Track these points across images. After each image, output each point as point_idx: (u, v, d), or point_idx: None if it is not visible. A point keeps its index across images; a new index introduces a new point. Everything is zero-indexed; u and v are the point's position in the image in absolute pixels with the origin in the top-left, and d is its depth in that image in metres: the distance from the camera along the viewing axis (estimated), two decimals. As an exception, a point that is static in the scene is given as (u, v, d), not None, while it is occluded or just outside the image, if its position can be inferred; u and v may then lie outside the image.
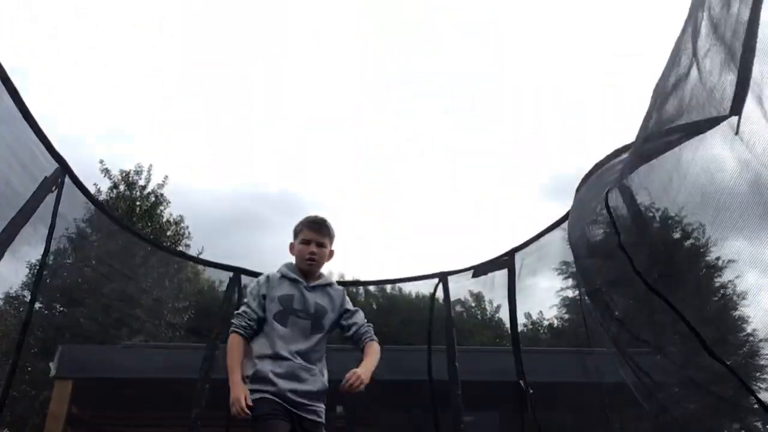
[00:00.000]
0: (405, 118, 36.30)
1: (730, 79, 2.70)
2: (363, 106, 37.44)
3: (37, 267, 4.31)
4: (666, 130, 3.13)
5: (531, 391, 5.61)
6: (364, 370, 2.86)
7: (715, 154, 3.08)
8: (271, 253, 29.87)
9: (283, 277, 3.08)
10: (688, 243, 4.21)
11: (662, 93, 3.11)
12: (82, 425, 8.25)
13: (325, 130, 36.26)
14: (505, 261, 6.01)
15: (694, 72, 2.90)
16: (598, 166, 4.22)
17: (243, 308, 3.03)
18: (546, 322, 17.04)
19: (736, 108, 2.70)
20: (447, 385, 6.69)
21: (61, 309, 10.79)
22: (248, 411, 2.71)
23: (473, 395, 6.64)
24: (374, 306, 14.85)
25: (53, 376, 8.13)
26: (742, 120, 2.66)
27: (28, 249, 4.34)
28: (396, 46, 35.41)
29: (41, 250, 4.13)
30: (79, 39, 31.57)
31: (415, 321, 8.47)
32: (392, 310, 13.27)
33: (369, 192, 38.20)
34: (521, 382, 5.73)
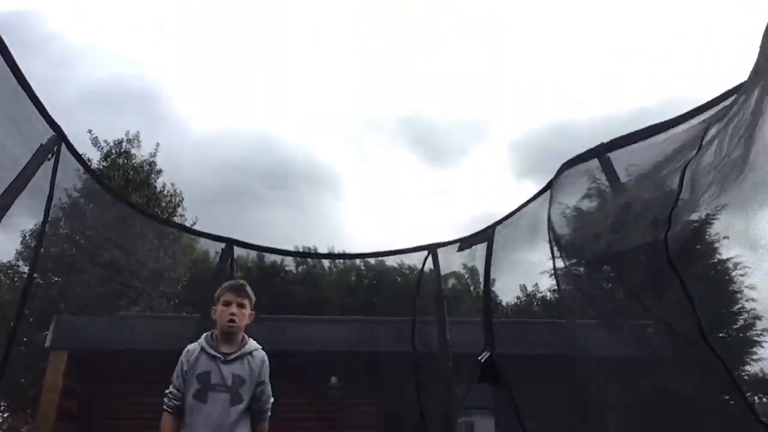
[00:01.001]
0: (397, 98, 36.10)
1: None
2: (359, 86, 37.16)
3: (31, 236, 4.31)
4: None
5: (482, 360, 5.72)
6: None
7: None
8: (263, 225, 29.86)
9: (202, 350, 3.24)
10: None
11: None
12: (76, 395, 8.31)
13: (314, 96, 36.03)
14: (486, 234, 6.10)
15: None
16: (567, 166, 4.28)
17: (170, 388, 3.22)
18: (540, 295, 17.20)
19: None
20: (438, 356, 6.80)
21: (56, 279, 10.80)
22: None
23: (466, 367, 6.74)
24: (365, 279, 14.95)
25: (48, 347, 8.16)
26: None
27: (22, 219, 4.33)
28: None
29: (35, 219, 4.13)
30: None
31: (406, 293, 8.54)
32: (382, 282, 13.37)
33: (361, 167, 38.12)
34: (486, 352, 5.84)
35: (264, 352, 3.36)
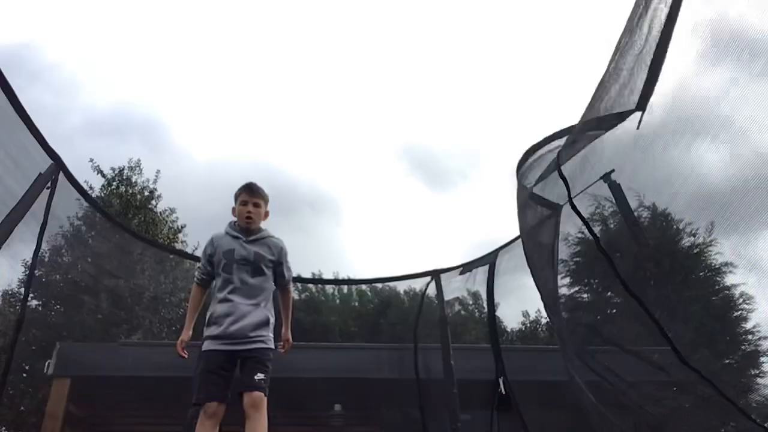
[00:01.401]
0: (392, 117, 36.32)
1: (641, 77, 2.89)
2: (353, 103, 37.41)
3: (30, 265, 4.30)
4: (586, 124, 3.27)
5: (504, 392, 5.67)
6: (287, 332, 3.79)
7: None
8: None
9: (227, 234, 3.70)
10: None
11: (599, 88, 3.25)
12: (79, 423, 8.24)
13: (314, 125, 36.24)
14: (489, 259, 6.10)
15: (617, 72, 3.07)
16: (530, 152, 4.30)
17: (198, 266, 3.82)
18: (544, 320, 17.08)
19: (642, 104, 2.89)
20: (442, 382, 6.72)
21: (58, 307, 10.78)
22: (183, 355, 3.52)
23: (469, 393, 6.66)
24: (369, 304, 14.86)
25: (50, 375, 8.12)
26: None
27: (24, 247, 4.34)
28: (385, 38, 35.40)
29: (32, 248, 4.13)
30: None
31: (411, 318, 8.50)
32: (388, 307, 13.28)
33: (363, 193, 38.21)
34: (500, 381, 5.79)
35: (282, 240, 3.80)
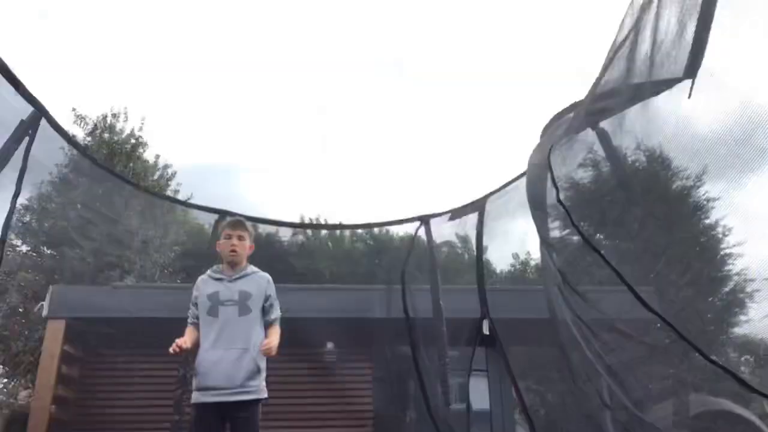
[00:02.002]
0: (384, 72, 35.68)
1: (684, 44, 2.76)
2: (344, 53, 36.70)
3: (18, 211, 4.28)
4: (618, 89, 3.18)
5: (487, 333, 5.83)
6: (272, 341, 3.56)
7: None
8: (252, 197, 29.82)
9: (210, 276, 3.74)
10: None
11: (617, 53, 3.15)
12: (75, 362, 8.41)
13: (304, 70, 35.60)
14: (478, 205, 6.16)
15: (648, 35, 2.94)
16: (556, 118, 4.27)
17: (189, 311, 3.76)
18: (533, 262, 17.30)
19: (690, 72, 2.77)
20: (433, 322, 6.88)
21: (49, 252, 10.82)
22: (175, 349, 3.44)
23: (457, 331, 6.84)
24: (361, 248, 14.98)
25: (45, 316, 8.22)
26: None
27: (7, 195, 4.32)
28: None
29: (23, 195, 4.12)
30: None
31: (402, 261, 8.61)
32: (380, 251, 13.41)
33: (352, 136, 37.93)
34: (484, 321, 5.95)
35: (268, 274, 3.83)
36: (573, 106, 4.37)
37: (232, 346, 3.46)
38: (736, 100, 3.11)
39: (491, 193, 6.13)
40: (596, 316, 4.01)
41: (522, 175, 5.50)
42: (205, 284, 3.71)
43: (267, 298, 3.70)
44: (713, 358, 3.10)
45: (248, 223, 3.86)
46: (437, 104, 38.80)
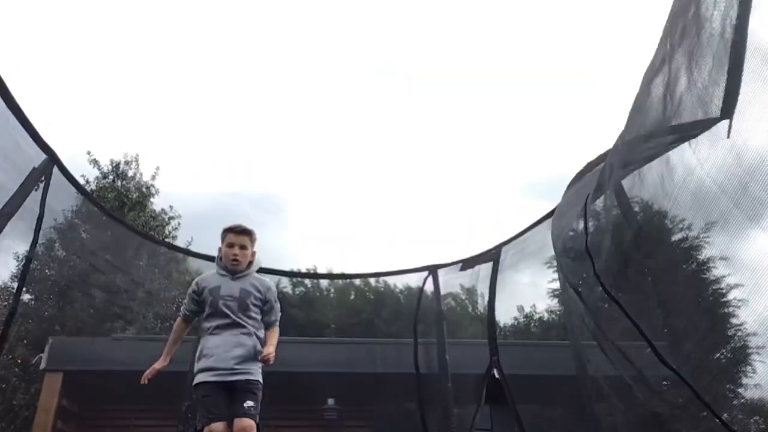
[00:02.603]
0: (388, 112, 36.15)
1: (721, 84, 2.75)
2: (348, 100, 37.26)
3: (25, 258, 4.28)
4: (650, 134, 3.16)
5: (497, 376, 5.71)
6: (270, 349, 3.54)
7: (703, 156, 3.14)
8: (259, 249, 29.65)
9: (215, 272, 3.78)
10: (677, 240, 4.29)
11: (645, 99, 3.15)
12: (72, 417, 8.22)
13: (306, 126, 36.10)
14: (492, 254, 6.12)
15: (682, 77, 2.94)
16: (584, 171, 4.28)
17: (183, 302, 3.87)
18: (537, 316, 17.10)
19: (727, 112, 2.75)
20: (437, 378, 6.75)
21: (51, 301, 10.73)
22: (144, 381, 3.72)
23: (463, 388, 6.70)
24: (365, 297, 14.87)
25: (43, 369, 8.10)
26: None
27: (16, 241, 4.32)
28: (384, 40, 35.27)
29: (29, 241, 4.11)
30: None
31: (405, 314, 8.52)
32: (382, 303, 13.29)
33: (356, 186, 38.14)
34: (494, 369, 5.82)
35: (271, 281, 3.88)
36: (602, 158, 4.37)
37: (234, 331, 3.55)
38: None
39: (505, 243, 6.07)
40: (630, 370, 3.93)
41: (535, 225, 5.48)
42: (208, 279, 3.76)
43: (266, 302, 3.73)
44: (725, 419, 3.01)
45: (253, 231, 3.83)
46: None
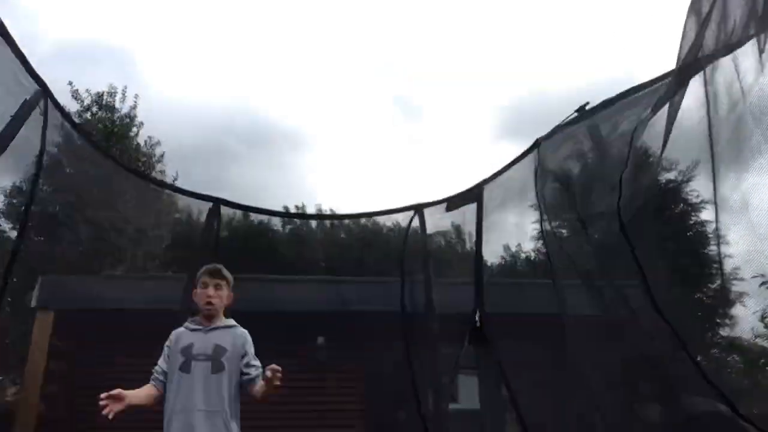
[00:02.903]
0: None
1: None
2: (338, 40, 36.46)
3: (12, 194, 4.18)
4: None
5: (479, 325, 5.77)
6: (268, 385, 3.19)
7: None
8: (243, 185, 29.58)
9: (185, 328, 3.50)
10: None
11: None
12: (63, 356, 8.26)
13: (296, 58, 35.35)
14: (475, 194, 6.07)
15: None
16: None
17: (155, 367, 3.46)
18: (524, 255, 17.27)
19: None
20: (423, 317, 6.82)
21: (39, 239, 10.65)
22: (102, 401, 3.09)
23: (449, 328, 6.78)
24: (354, 236, 14.93)
25: (33, 307, 8.09)
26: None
27: (2, 176, 4.23)
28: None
29: (15, 177, 4.03)
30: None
31: (393, 253, 8.55)
32: (370, 243, 13.34)
33: (341, 124, 37.80)
34: (477, 313, 5.89)
35: (245, 330, 3.53)
36: (573, 120, 4.32)
37: (204, 407, 3.22)
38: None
39: (486, 181, 6.02)
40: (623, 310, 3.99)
41: (517, 159, 5.43)
42: (179, 337, 3.45)
43: (244, 356, 3.41)
44: (711, 381, 3.09)
45: (227, 271, 3.55)
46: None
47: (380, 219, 8.20)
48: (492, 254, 6.68)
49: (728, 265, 4.29)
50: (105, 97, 16.51)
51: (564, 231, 5.58)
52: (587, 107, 4.29)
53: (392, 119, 37.78)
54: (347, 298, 8.82)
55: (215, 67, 34.42)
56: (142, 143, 17.06)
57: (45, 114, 4.02)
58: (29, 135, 4.08)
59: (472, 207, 6.26)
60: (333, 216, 9.44)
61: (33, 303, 8.08)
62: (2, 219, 11.71)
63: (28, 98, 3.86)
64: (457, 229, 8.31)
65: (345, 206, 23.23)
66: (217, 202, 6.32)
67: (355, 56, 37.74)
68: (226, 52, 34.33)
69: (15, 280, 10.76)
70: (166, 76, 34.25)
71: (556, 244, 5.13)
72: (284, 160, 35.69)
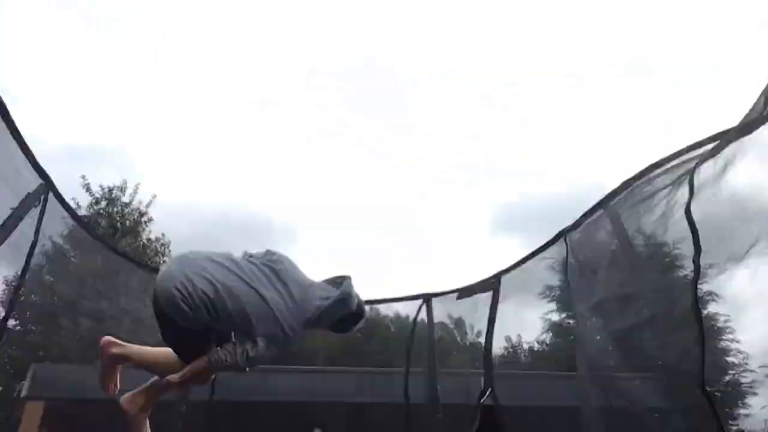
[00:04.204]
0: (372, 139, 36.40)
1: None
2: (337, 129, 37.49)
3: (12, 284, 4.20)
4: None
5: (482, 402, 5.61)
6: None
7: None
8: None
9: None
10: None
11: None
12: (53, 447, 7.99)
13: (295, 153, 36.20)
14: (491, 283, 6.07)
15: None
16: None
17: None
18: (526, 346, 17.05)
19: None
20: (427, 407, 6.65)
21: (34, 328, 10.54)
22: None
23: (455, 418, 6.60)
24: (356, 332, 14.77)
25: (24, 397, 7.90)
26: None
27: (5, 266, 4.24)
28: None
29: (16, 267, 4.04)
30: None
31: (395, 343, 8.44)
32: (372, 332, 13.20)
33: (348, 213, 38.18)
34: (489, 399, 5.73)
35: None
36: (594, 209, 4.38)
37: None
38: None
39: (504, 272, 6.01)
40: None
41: (536, 253, 5.44)
42: None
43: None
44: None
45: None
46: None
47: (381, 308, 8.11)
48: (495, 344, 6.57)
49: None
50: (115, 192, 16.89)
51: (594, 319, 5.55)
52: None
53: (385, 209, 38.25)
54: (347, 388, 8.64)
55: (209, 165, 35.04)
56: (153, 238, 17.31)
57: (43, 206, 4.06)
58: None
59: (484, 297, 6.24)
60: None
61: (24, 392, 7.89)
62: (1, 308, 11.64)
63: (30, 192, 3.92)
64: (457, 321, 8.28)
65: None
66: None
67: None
68: (217, 152, 35.04)
69: (8, 369, 10.60)
70: (163, 175, 34.88)
71: (587, 333, 5.06)
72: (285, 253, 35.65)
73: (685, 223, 3.18)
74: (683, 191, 3.34)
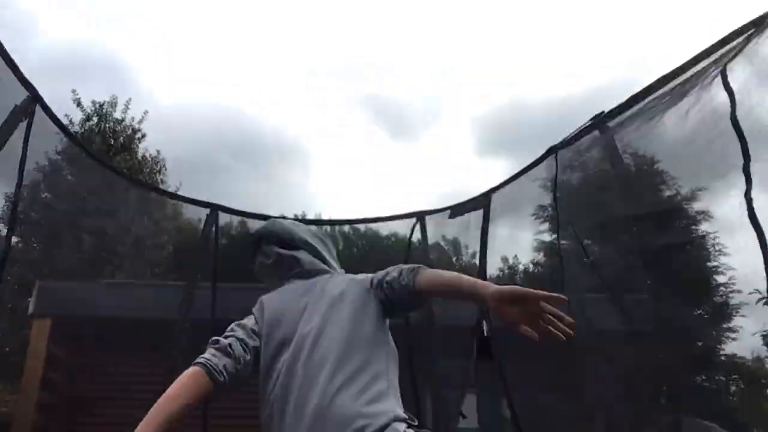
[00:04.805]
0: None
1: None
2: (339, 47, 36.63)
3: (8, 201, 4.15)
4: None
5: (487, 334, 5.64)
6: None
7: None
8: (237, 198, 29.54)
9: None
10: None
11: None
12: (61, 363, 8.16)
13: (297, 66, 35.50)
14: (482, 201, 5.97)
15: None
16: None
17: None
18: (522, 267, 17.21)
19: None
20: (426, 329, 6.71)
21: (38, 243, 10.59)
22: None
23: (451, 341, 6.67)
24: (354, 247, 14.87)
25: (31, 314, 8.00)
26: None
27: (4, 182, 4.19)
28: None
29: (12, 183, 3.98)
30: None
31: (393, 262, 8.44)
32: (368, 252, 13.28)
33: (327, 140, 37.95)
34: (483, 323, 5.76)
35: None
36: (588, 127, 4.25)
37: None
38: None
39: (495, 189, 5.92)
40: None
41: (526, 170, 5.35)
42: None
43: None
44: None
45: None
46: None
47: (377, 227, 8.04)
48: (490, 266, 6.54)
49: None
50: (106, 107, 16.55)
51: (587, 241, 5.52)
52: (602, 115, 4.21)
53: (378, 131, 37.94)
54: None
55: (207, 79, 34.43)
56: (148, 156, 17.14)
57: (30, 120, 3.95)
58: (30, 143, 4.04)
59: (475, 216, 6.14)
60: (332, 221, 9.27)
61: (30, 310, 7.99)
62: (1, 224, 11.69)
63: (18, 104, 3.80)
64: (453, 241, 8.22)
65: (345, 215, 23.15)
66: (215, 208, 6.21)
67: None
68: (215, 61, 34.29)
69: (15, 286, 10.73)
70: (161, 89, 34.23)
71: (577, 254, 5.05)
72: (276, 173, 35.71)
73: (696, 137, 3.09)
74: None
